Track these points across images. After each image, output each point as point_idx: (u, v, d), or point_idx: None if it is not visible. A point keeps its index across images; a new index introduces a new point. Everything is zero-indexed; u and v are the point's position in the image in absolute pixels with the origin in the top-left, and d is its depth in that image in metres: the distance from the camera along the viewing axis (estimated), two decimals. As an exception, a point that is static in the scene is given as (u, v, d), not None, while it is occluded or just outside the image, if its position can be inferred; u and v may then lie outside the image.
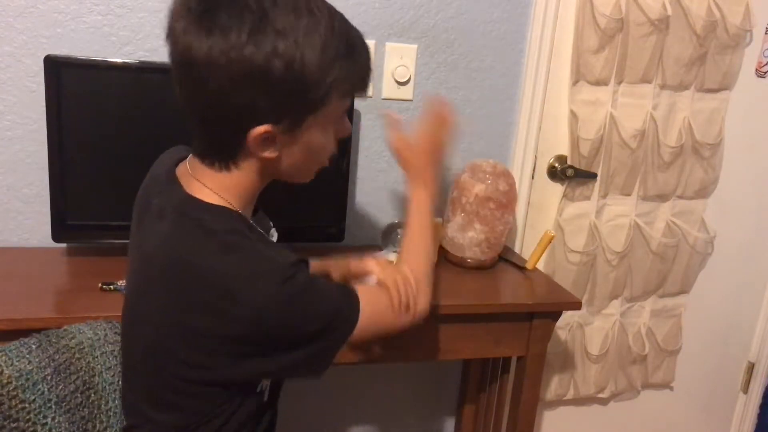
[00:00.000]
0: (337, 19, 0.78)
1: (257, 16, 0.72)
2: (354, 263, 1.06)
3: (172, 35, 0.76)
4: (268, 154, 0.80)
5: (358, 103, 1.48)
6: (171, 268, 0.78)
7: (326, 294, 0.84)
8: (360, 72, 0.82)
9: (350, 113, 1.42)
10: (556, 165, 1.70)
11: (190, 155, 0.86)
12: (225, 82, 0.73)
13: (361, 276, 1.03)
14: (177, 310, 0.78)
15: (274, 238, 0.98)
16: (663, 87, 1.70)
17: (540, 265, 1.55)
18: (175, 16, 0.75)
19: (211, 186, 0.83)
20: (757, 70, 1.81)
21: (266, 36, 0.72)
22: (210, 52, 0.72)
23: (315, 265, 1.14)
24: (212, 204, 0.82)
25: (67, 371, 0.89)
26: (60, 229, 1.27)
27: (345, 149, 1.39)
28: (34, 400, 0.84)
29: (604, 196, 1.75)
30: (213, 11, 0.72)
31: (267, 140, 0.78)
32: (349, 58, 0.78)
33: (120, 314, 0.92)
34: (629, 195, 1.77)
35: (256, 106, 0.75)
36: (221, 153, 0.81)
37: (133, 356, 0.88)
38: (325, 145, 0.85)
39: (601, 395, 1.94)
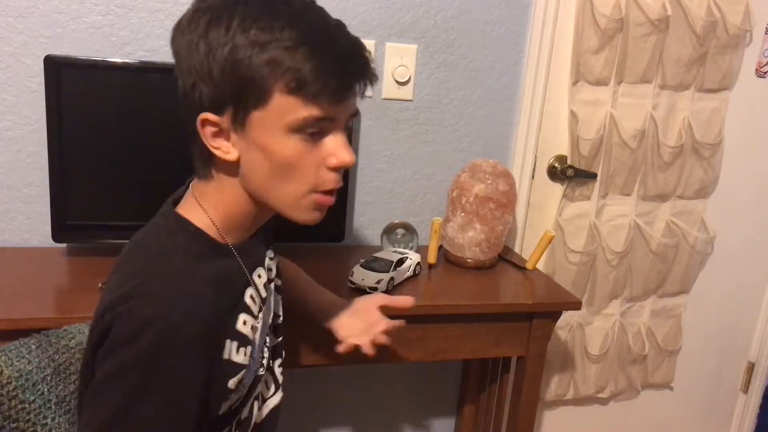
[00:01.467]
0: (308, 10, 0.74)
1: (219, 8, 0.72)
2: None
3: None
4: (222, 151, 0.75)
5: (359, 103, 1.48)
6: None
7: (143, 402, 0.69)
8: (315, 66, 0.70)
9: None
10: (556, 165, 1.70)
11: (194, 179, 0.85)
12: (178, 72, 0.75)
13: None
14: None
15: (261, 278, 0.88)
16: (663, 87, 1.70)
17: (540, 265, 1.55)
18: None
19: (199, 197, 0.80)
20: (757, 70, 1.81)
21: (200, 23, 0.72)
22: (179, 46, 0.74)
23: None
24: (182, 218, 0.79)
25: (67, 371, 0.89)
26: (60, 229, 1.27)
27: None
28: (34, 400, 0.84)
29: (604, 196, 1.75)
30: (199, 13, 0.74)
31: (216, 133, 0.75)
32: (295, 51, 0.70)
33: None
34: (629, 195, 1.77)
35: (195, 94, 0.73)
36: (197, 155, 0.79)
37: None
38: (293, 160, 0.74)
39: (601, 395, 1.94)
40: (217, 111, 0.73)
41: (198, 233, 0.79)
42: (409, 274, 1.36)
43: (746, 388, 2.15)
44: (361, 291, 1.25)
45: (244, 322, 0.81)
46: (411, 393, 1.77)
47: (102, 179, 1.27)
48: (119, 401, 0.68)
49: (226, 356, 0.78)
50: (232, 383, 0.79)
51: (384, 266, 1.30)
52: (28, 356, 0.85)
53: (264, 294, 0.88)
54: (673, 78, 1.69)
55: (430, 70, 1.55)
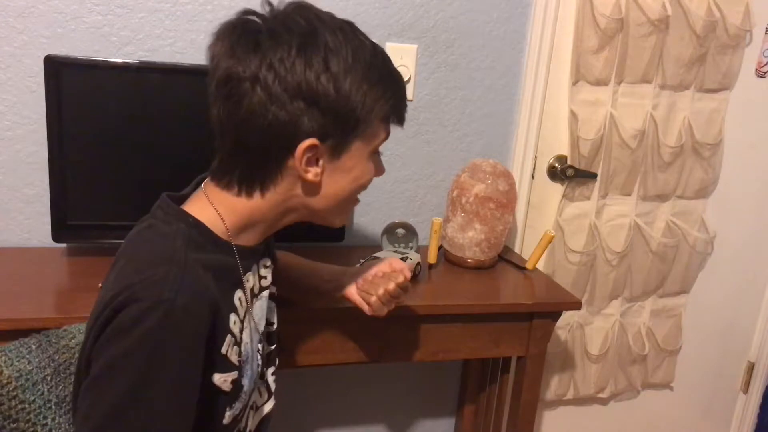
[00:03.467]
0: (378, 46, 0.81)
1: (307, 31, 0.74)
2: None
3: (215, 57, 0.76)
4: (311, 174, 0.78)
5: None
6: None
7: (155, 378, 0.68)
8: (399, 97, 0.82)
9: None
10: (556, 165, 1.70)
11: (206, 180, 0.84)
12: (270, 95, 0.73)
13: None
14: None
15: (249, 283, 0.87)
16: (663, 87, 1.70)
17: (540, 265, 1.55)
18: (217, 40, 0.76)
19: (214, 200, 0.80)
20: (757, 70, 1.81)
21: (317, 51, 0.73)
22: (258, 67, 0.72)
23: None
24: (184, 211, 0.79)
25: (67, 371, 0.89)
26: (60, 229, 1.27)
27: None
28: (34, 400, 0.84)
29: (604, 196, 1.75)
30: (259, 31, 0.74)
31: (311, 158, 0.77)
32: (391, 84, 0.80)
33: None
34: (629, 195, 1.77)
35: (301, 122, 0.74)
36: (254, 176, 0.79)
37: None
38: (366, 179, 0.85)
39: (601, 395, 1.94)
40: (322, 139, 0.76)
41: (197, 224, 0.79)
42: (408, 274, 1.36)
43: (746, 388, 2.15)
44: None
45: (234, 322, 0.81)
46: (411, 393, 1.77)
47: (102, 179, 1.27)
48: (122, 390, 0.67)
49: (224, 351, 0.78)
50: (217, 378, 0.77)
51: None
52: (28, 356, 0.85)
53: (249, 299, 0.87)
54: (673, 78, 1.69)
55: (430, 70, 1.55)
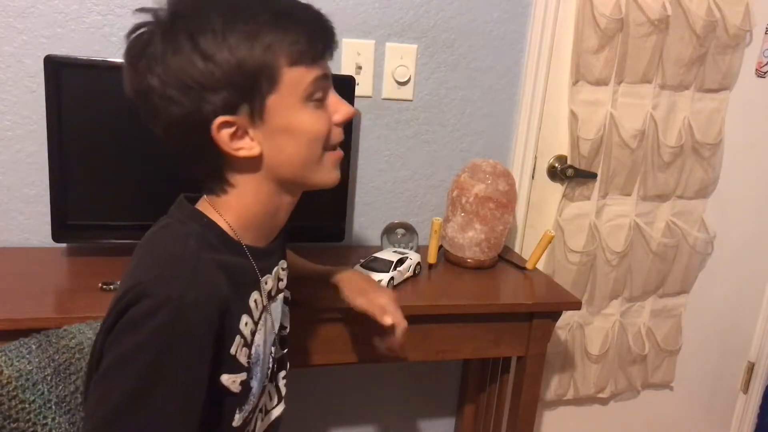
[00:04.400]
0: None
1: (166, 23, 0.72)
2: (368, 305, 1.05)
3: (123, 80, 0.77)
4: (245, 150, 0.76)
5: (358, 103, 1.48)
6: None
7: (163, 385, 0.68)
8: (306, 33, 0.75)
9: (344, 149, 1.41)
10: (556, 165, 1.70)
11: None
12: (165, 98, 0.72)
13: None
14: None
15: (267, 285, 0.88)
16: (663, 87, 1.70)
17: (540, 265, 1.55)
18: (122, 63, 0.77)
19: (216, 206, 0.81)
20: (757, 70, 1.81)
21: (179, 33, 0.71)
22: (144, 77, 0.72)
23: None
24: (200, 212, 0.80)
25: (67, 371, 0.89)
26: (60, 229, 1.27)
27: (345, 149, 1.39)
28: (34, 400, 0.83)
29: (604, 196, 1.75)
30: (140, 41, 0.74)
31: (235, 134, 0.75)
32: (279, 25, 0.73)
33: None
34: (629, 195, 1.77)
35: (201, 108, 0.73)
36: (209, 175, 0.79)
37: None
38: (315, 126, 0.79)
39: (601, 395, 1.94)
40: (232, 112, 0.74)
41: (211, 224, 0.80)
42: (409, 274, 1.36)
43: (746, 388, 2.15)
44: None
45: (246, 323, 0.81)
46: (411, 393, 1.77)
47: (102, 179, 1.27)
48: (131, 385, 0.67)
49: (233, 351, 0.77)
50: (225, 379, 0.77)
51: (384, 266, 1.30)
52: (28, 356, 0.85)
53: (265, 302, 0.87)
54: (673, 78, 1.69)
55: (430, 70, 1.55)
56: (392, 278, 1.29)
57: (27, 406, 0.83)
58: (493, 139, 1.64)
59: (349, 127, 1.39)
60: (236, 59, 0.71)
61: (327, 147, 0.82)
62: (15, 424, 0.81)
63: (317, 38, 0.77)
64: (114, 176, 1.28)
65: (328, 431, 1.74)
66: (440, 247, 1.51)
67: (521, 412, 1.44)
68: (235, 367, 0.78)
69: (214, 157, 0.77)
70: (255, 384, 0.84)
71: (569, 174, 1.68)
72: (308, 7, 0.79)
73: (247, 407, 0.83)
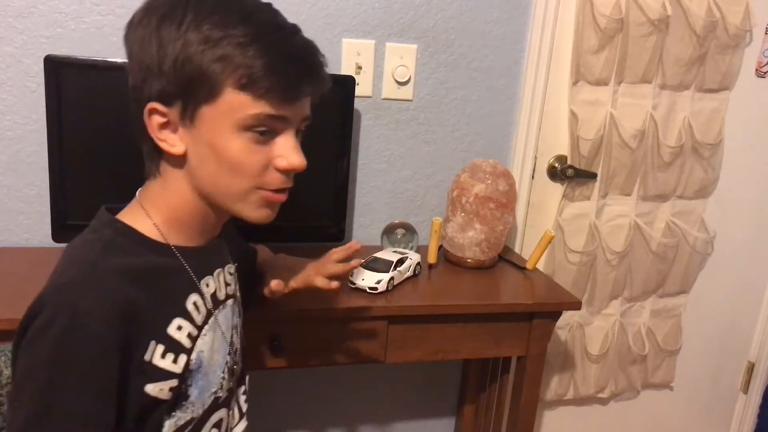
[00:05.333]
0: (257, 8, 0.74)
1: (179, 8, 0.72)
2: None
3: None
4: (168, 144, 0.75)
5: (358, 103, 1.48)
6: None
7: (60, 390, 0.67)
8: (267, 63, 0.71)
9: (344, 149, 1.40)
10: (556, 165, 1.70)
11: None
12: (130, 68, 0.75)
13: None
14: None
15: (209, 287, 0.84)
16: (663, 87, 1.70)
17: (540, 265, 1.55)
18: None
19: (144, 200, 0.80)
20: (757, 70, 1.81)
21: (152, 16, 0.73)
22: (130, 45, 0.76)
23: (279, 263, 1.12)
24: (115, 219, 0.78)
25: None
26: (60, 229, 1.27)
27: (345, 149, 1.40)
28: (34, 400, 0.83)
29: (604, 196, 1.75)
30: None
31: (164, 125, 0.75)
32: (248, 43, 0.70)
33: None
34: (629, 195, 1.77)
35: (144, 88, 0.74)
36: (145, 152, 0.79)
37: None
38: (241, 157, 0.74)
39: (601, 395, 1.94)
40: (166, 103, 0.74)
41: (125, 229, 0.77)
42: (409, 274, 1.36)
43: (746, 388, 2.14)
44: (361, 291, 1.25)
45: (179, 327, 0.77)
46: (411, 393, 1.77)
47: (102, 179, 1.27)
48: (33, 404, 0.66)
49: (147, 358, 0.73)
50: (151, 389, 0.73)
51: (384, 266, 1.30)
52: (27, 356, 0.85)
53: (210, 305, 0.83)
54: (673, 78, 1.69)
55: (430, 70, 1.55)
56: (392, 278, 1.29)
57: (27, 406, 0.82)
58: (493, 139, 1.64)
59: (350, 127, 1.39)
60: (184, 56, 0.71)
61: (260, 187, 0.77)
62: (15, 424, 0.81)
63: (288, 79, 0.73)
64: (114, 176, 1.27)
65: (327, 431, 1.74)
66: (440, 247, 1.51)
67: (521, 412, 1.44)
68: (158, 374, 0.74)
69: (145, 137, 0.77)
70: (194, 392, 0.80)
71: (569, 174, 1.68)
72: (305, 46, 0.75)
73: (180, 414, 0.78)
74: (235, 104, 0.72)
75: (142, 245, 0.77)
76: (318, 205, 1.42)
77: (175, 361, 0.76)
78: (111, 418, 0.70)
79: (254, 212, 0.79)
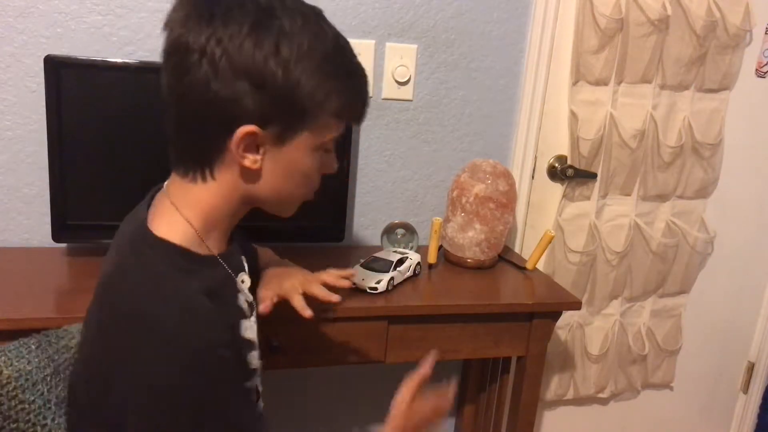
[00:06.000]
0: (342, 39, 0.77)
1: (263, 9, 0.70)
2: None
3: (169, 24, 0.72)
4: (249, 161, 0.74)
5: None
6: (108, 307, 0.74)
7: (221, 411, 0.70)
8: (357, 95, 0.79)
9: (344, 149, 1.40)
10: (556, 165, 1.70)
11: (170, 177, 0.82)
12: (215, 71, 0.69)
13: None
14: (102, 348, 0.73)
15: (245, 283, 0.87)
16: (663, 87, 1.70)
17: (540, 265, 1.55)
18: (176, 7, 0.73)
19: (177, 199, 0.77)
20: (757, 70, 1.81)
21: (269, 33, 0.69)
22: (207, 40, 0.69)
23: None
24: (159, 239, 0.75)
25: (67, 371, 0.89)
26: (60, 229, 1.27)
27: (345, 149, 1.39)
28: (34, 400, 0.83)
29: (604, 196, 1.75)
30: (217, 4, 0.70)
31: (250, 144, 0.73)
32: (348, 79, 0.77)
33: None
34: (629, 195, 1.77)
35: (243, 103, 0.70)
36: (199, 156, 0.75)
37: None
38: (311, 172, 0.80)
39: (601, 395, 1.94)
40: (262, 124, 0.72)
41: (180, 250, 0.76)
42: (409, 274, 1.36)
43: (746, 388, 2.15)
44: (361, 291, 1.25)
45: (246, 328, 0.81)
46: (411, 393, 1.77)
47: (102, 179, 1.27)
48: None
49: (249, 358, 0.79)
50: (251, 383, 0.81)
51: (384, 266, 1.30)
52: (28, 356, 0.85)
53: (250, 298, 0.87)
54: (673, 78, 1.69)
55: (430, 70, 1.55)
56: (392, 278, 1.29)
57: (27, 406, 0.82)
58: (493, 139, 1.64)
59: (349, 127, 1.39)
60: (300, 83, 0.71)
61: (312, 191, 0.84)
62: (15, 425, 0.81)
63: (364, 105, 0.81)
64: (114, 176, 1.28)
65: (327, 431, 1.74)
66: (440, 247, 1.51)
67: (521, 412, 1.44)
68: (249, 374, 0.81)
69: (217, 147, 0.74)
70: (254, 362, 0.86)
71: (569, 174, 1.68)
72: (366, 77, 0.81)
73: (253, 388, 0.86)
74: (326, 128, 0.77)
75: (196, 262, 0.77)
76: (318, 205, 1.41)
77: (257, 357, 0.83)
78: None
79: (292, 211, 0.85)
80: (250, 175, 0.76)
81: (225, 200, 0.78)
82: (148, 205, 0.81)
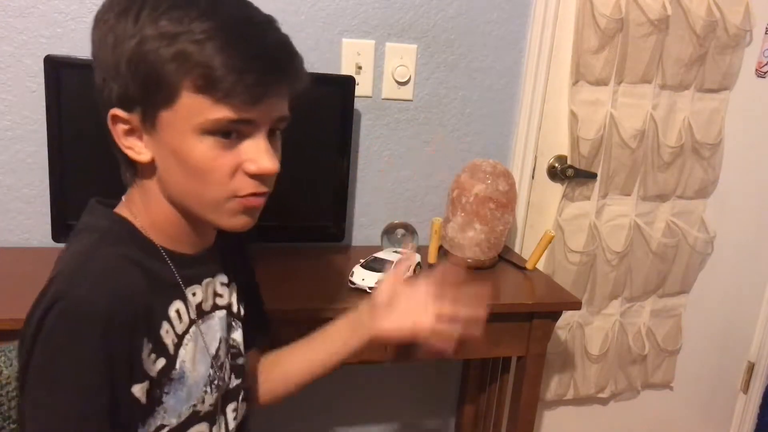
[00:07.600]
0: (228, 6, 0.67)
1: (137, 2, 0.67)
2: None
3: None
4: (135, 151, 0.71)
5: (358, 103, 1.48)
6: None
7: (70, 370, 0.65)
8: (226, 62, 0.64)
9: (344, 149, 1.40)
10: (556, 165, 1.70)
11: None
12: (93, 66, 0.71)
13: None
14: None
15: (196, 296, 0.80)
16: (663, 87, 1.70)
17: (540, 265, 1.55)
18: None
19: (128, 203, 0.77)
20: (757, 70, 1.81)
21: (113, 9, 0.69)
22: (96, 38, 0.72)
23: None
24: (114, 213, 0.76)
25: (67, 371, 0.89)
26: (60, 229, 1.27)
27: (345, 149, 1.39)
28: (34, 400, 0.83)
29: (604, 196, 1.75)
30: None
31: (128, 131, 0.70)
32: (209, 40, 0.64)
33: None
34: (629, 195, 1.77)
35: (106, 89, 0.69)
36: (120, 160, 0.75)
37: None
38: (200, 159, 0.68)
39: (601, 395, 1.94)
40: (127, 108, 0.69)
41: (122, 220, 0.75)
42: (409, 274, 1.36)
43: (746, 388, 2.15)
44: (361, 291, 1.25)
45: (167, 331, 0.75)
46: (411, 393, 1.77)
47: (102, 179, 1.27)
48: (41, 393, 0.65)
49: (144, 355, 0.71)
50: (137, 390, 0.70)
51: (384, 266, 1.30)
52: (28, 356, 0.85)
53: (193, 315, 0.79)
54: (673, 78, 1.69)
55: (430, 70, 1.55)
56: (392, 278, 1.28)
57: (27, 406, 0.82)
58: (493, 139, 1.64)
59: (350, 127, 1.39)
60: (138, 55, 0.65)
61: (233, 194, 0.71)
62: (15, 425, 0.81)
63: (246, 74, 0.65)
64: (114, 176, 1.27)
65: (327, 431, 1.74)
66: (440, 247, 1.51)
67: (521, 412, 1.44)
68: (140, 374, 0.71)
69: (113, 143, 0.73)
70: (170, 400, 0.76)
71: (569, 174, 1.68)
72: (274, 41, 0.68)
73: (153, 422, 0.74)
74: (194, 108, 0.66)
75: (134, 237, 0.75)
76: (318, 206, 1.42)
77: (155, 362, 0.73)
78: (105, 410, 0.67)
79: (231, 221, 0.73)
80: (148, 170, 0.73)
81: (157, 204, 0.75)
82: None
